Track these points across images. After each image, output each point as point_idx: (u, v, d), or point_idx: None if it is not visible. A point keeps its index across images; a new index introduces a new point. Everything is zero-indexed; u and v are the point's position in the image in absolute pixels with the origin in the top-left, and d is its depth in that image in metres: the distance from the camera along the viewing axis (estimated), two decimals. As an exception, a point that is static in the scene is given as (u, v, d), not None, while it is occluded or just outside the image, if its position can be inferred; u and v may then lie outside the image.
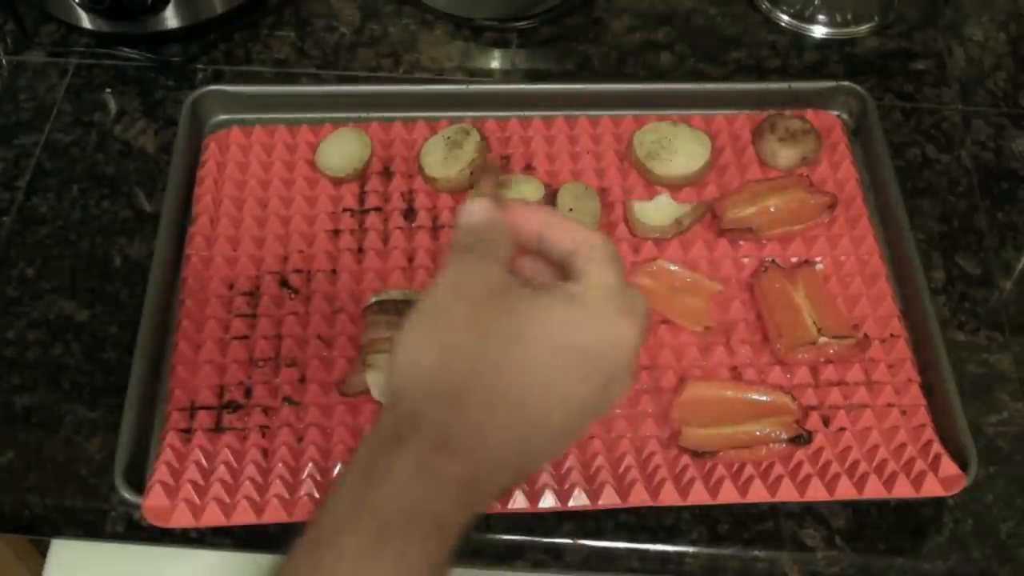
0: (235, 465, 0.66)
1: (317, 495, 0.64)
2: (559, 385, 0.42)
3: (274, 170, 0.80)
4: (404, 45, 0.93)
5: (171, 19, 0.89)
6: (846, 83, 0.85)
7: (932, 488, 0.65)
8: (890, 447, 0.67)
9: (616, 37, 0.94)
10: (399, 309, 0.69)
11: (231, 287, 0.74)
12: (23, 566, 0.94)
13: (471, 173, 0.78)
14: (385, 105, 0.84)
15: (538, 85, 0.89)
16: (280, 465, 0.65)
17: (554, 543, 0.66)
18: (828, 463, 0.66)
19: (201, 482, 0.64)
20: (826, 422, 0.68)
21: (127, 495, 0.63)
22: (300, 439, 0.67)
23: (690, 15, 0.96)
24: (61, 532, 0.67)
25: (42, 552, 0.88)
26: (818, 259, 0.76)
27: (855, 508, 0.67)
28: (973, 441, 0.66)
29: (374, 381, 0.67)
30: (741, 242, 0.77)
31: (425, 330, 0.43)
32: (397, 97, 0.85)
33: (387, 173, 0.80)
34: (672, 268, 0.75)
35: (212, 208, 0.78)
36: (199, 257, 0.75)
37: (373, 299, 0.71)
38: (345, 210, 0.78)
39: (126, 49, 0.90)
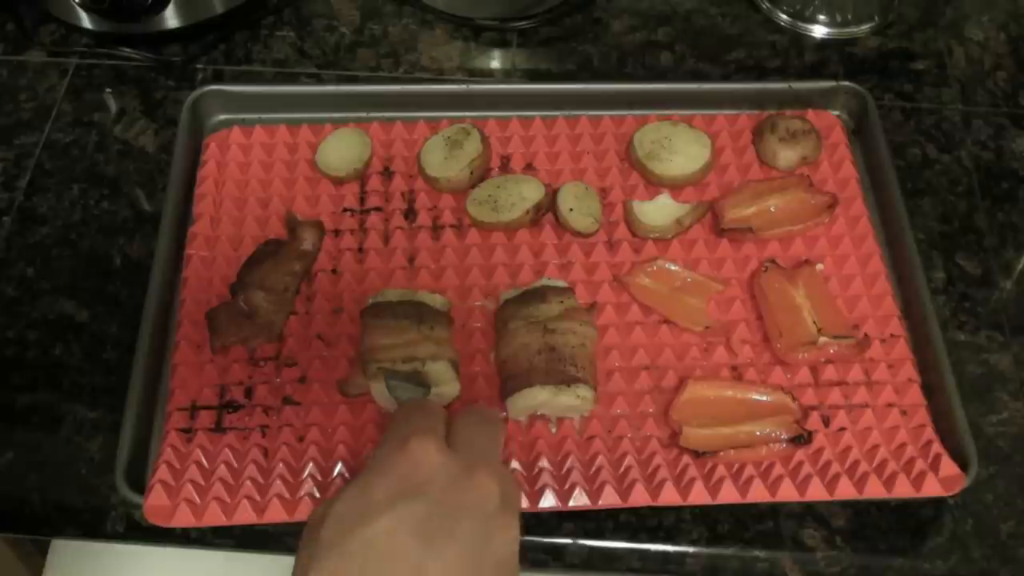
0: (236, 465, 0.66)
1: (318, 495, 0.64)
2: None
3: (275, 170, 0.80)
4: (404, 45, 0.93)
5: (171, 19, 0.89)
6: (846, 83, 0.85)
7: (932, 488, 0.65)
8: (890, 447, 0.67)
9: (616, 37, 0.94)
10: (396, 312, 0.68)
11: (232, 287, 0.74)
12: (23, 566, 0.94)
13: (471, 173, 0.78)
14: (385, 105, 0.84)
15: (538, 85, 0.89)
16: (281, 465, 0.65)
17: (554, 543, 0.66)
18: (828, 463, 0.66)
19: (202, 482, 0.64)
20: (826, 422, 0.69)
21: (128, 495, 0.63)
22: (301, 439, 0.67)
23: (690, 15, 0.96)
24: (61, 532, 0.67)
25: (42, 552, 0.88)
26: (818, 260, 0.76)
27: (855, 508, 0.67)
28: (973, 441, 0.66)
29: (379, 392, 0.66)
30: (741, 242, 0.77)
31: None
32: (397, 97, 0.85)
33: (388, 173, 0.81)
34: (672, 268, 0.75)
35: (213, 208, 0.78)
36: (200, 257, 0.75)
37: (370, 301, 0.71)
38: (346, 210, 0.78)
39: (126, 49, 0.90)
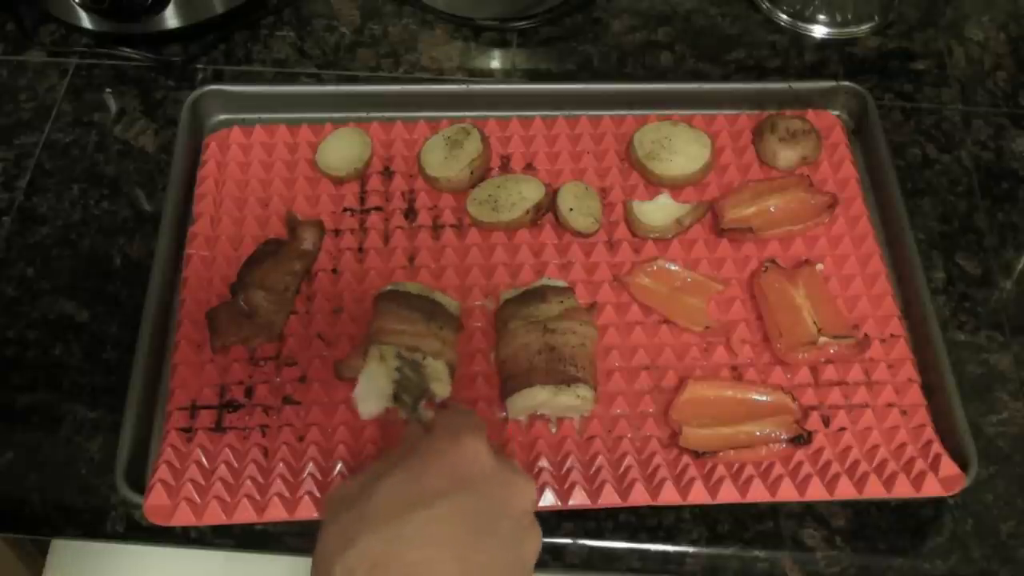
0: (236, 464, 0.66)
1: (318, 494, 0.64)
2: None
3: (275, 170, 0.80)
4: (404, 45, 0.93)
5: (171, 19, 0.89)
6: (846, 83, 0.85)
7: (932, 488, 0.65)
8: (890, 447, 0.67)
9: (616, 37, 0.94)
10: (411, 303, 0.68)
11: (232, 287, 0.73)
12: (23, 566, 0.94)
13: (471, 173, 0.78)
14: (385, 105, 0.84)
15: (538, 85, 0.89)
16: (281, 464, 0.65)
17: (554, 543, 0.66)
18: (828, 463, 0.66)
19: (202, 481, 0.64)
20: (826, 422, 0.69)
21: (128, 495, 0.63)
22: (301, 438, 0.67)
23: (690, 15, 0.96)
24: (61, 532, 0.67)
25: (42, 552, 0.88)
26: (818, 260, 0.76)
27: (855, 508, 0.67)
28: (973, 441, 0.66)
29: (365, 380, 0.65)
30: (741, 242, 0.77)
31: None
32: (397, 97, 0.85)
33: (388, 173, 0.81)
34: (672, 268, 0.75)
35: (213, 208, 0.78)
36: (200, 257, 0.75)
37: (389, 287, 0.71)
38: (346, 209, 0.78)
39: (126, 49, 0.90)
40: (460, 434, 0.50)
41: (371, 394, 0.66)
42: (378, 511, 0.46)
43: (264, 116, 0.84)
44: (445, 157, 0.79)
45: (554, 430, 0.68)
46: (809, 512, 0.67)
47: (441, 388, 0.67)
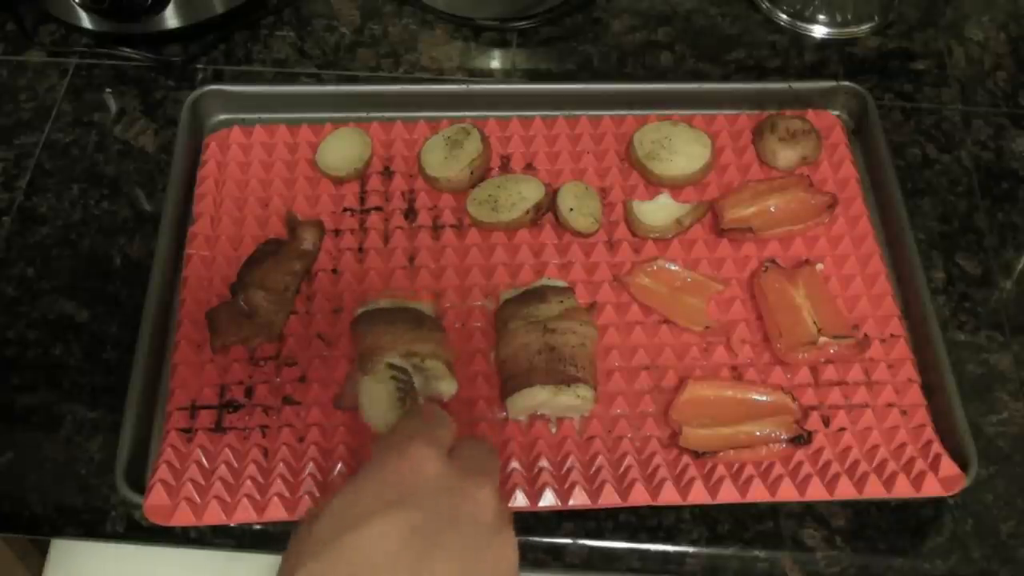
0: (236, 465, 0.66)
1: (318, 494, 0.64)
2: None
3: (275, 170, 0.80)
4: (404, 45, 0.93)
5: (171, 19, 0.89)
6: (846, 83, 0.85)
7: (932, 488, 0.65)
8: (890, 447, 0.67)
9: (616, 37, 0.94)
10: (392, 317, 0.68)
11: (232, 287, 0.73)
12: (23, 566, 0.94)
13: (471, 173, 0.78)
14: (385, 105, 0.84)
15: (538, 85, 0.89)
16: (281, 464, 0.65)
17: (554, 543, 0.66)
18: (828, 463, 0.66)
19: (202, 481, 0.64)
20: (826, 422, 0.69)
21: (128, 495, 0.63)
22: (301, 439, 0.67)
23: (690, 15, 0.96)
24: (61, 532, 0.67)
25: (42, 552, 0.88)
26: (818, 260, 0.76)
27: (855, 508, 0.67)
28: (973, 441, 0.66)
29: (367, 395, 0.65)
30: (741, 242, 0.77)
31: None
32: (397, 97, 0.85)
33: (388, 173, 0.81)
34: (672, 268, 0.75)
35: (213, 207, 0.78)
36: (200, 257, 0.75)
37: (360, 311, 0.70)
38: (346, 210, 0.78)
39: (126, 49, 0.90)
40: (408, 443, 0.47)
41: (378, 410, 0.65)
42: (320, 533, 0.44)
43: (264, 116, 0.84)
44: (445, 157, 0.79)
45: (554, 430, 0.68)
46: (809, 512, 0.67)
47: (446, 386, 0.67)
